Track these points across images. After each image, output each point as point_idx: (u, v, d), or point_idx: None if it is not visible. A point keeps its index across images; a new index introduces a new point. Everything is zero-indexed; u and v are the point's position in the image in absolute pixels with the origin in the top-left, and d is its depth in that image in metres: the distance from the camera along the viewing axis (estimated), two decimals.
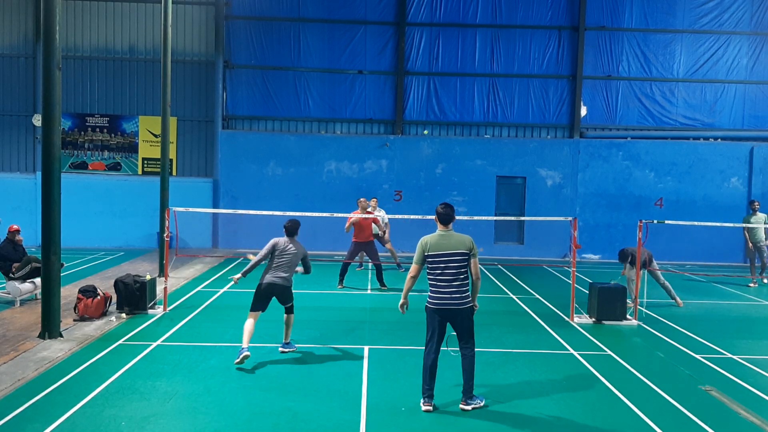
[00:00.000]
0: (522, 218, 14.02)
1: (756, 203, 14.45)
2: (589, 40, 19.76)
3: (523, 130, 20.11)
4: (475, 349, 6.57)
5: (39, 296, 10.16)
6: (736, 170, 19.65)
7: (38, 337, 8.65)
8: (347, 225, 13.14)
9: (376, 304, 11.79)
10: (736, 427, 6.14)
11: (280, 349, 8.29)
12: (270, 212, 12.92)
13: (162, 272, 12.97)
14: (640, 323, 10.42)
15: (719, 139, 19.85)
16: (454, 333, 6.49)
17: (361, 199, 13.87)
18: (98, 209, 19.36)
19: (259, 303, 8.06)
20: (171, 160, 18.27)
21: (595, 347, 8.93)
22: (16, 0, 19.58)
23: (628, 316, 10.52)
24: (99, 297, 10.03)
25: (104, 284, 11.90)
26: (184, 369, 7.51)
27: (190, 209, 12.25)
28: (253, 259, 8.34)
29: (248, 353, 7.55)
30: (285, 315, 8.32)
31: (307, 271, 8.49)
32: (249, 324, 7.89)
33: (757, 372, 7.92)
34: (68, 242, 13.04)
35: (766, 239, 14.26)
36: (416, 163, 19.58)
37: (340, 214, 13.67)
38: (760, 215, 14.21)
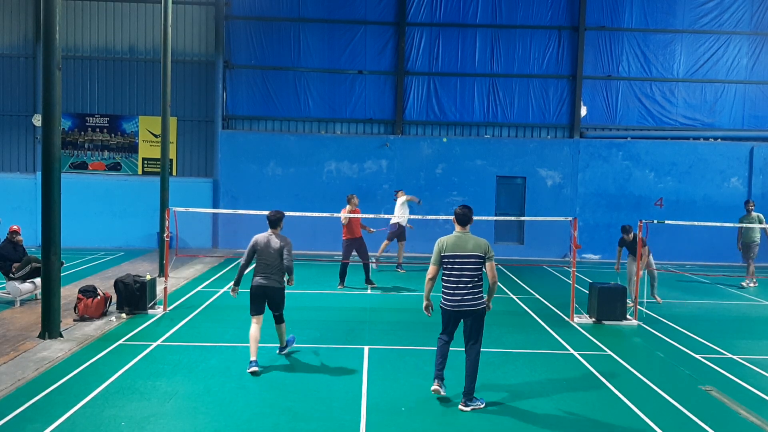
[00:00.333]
0: (522, 218, 14.02)
1: (751, 204, 14.43)
2: (589, 40, 19.77)
3: (523, 130, 20.11)
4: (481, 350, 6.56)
5: (39, 296, 10.16)
6: (736, 170, 19.65)
7: (38, 337, 8.65)
8: (343, 218, 12.88)
9: (376, 304, 11.79)
10: (736, 427, 6.14)
11: (280, 353, 8.13)
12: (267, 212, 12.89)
13: (162, 272, 12.97)
14: (640, 323, 10.42)
15: (719, 139, 19.85)
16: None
17: (352, 196, 13.40)
18: (98, 209, 19.36)
19: (255, 306, 7.66)
20: (171, 160, 18.27)
21: (595, 347, 8.93)
22: (16, 0, 19.58)
23: (628, 316, 10.53)
24: (99, 297, 10.03)
25: (104, 284, 11.90)
26: (184, 369, 7.51)
27: (190, 209, 12.26)
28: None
29: (256, 368, 7.29)
30: (276, 325, 7.94)
31: (287, 272, 7.59)
32: (253, 331, 7.56)
33: (757, 372, 7.92)
34: (68, 242, 13.04)
35: (759, 240, 14.29)
36: (416, 163, 19.58)
37: (340, 215, 13.64)
38: (754, 215, 14.22)
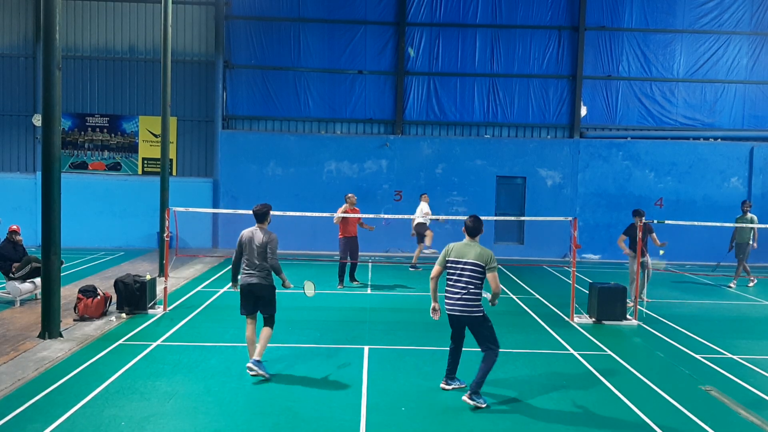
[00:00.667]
0: (522, 218, 14.01)
1: (747, 204, 14.42)
2: (589, 40, 19.76)
3: (523, 130, 20.11)
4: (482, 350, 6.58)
5: (39, 296, 10.16)
6: (736, 170, 19.65)
7: (38, 337, 8.65)
8: (336, 218, 12.94)
9: (376, 304, 11.79)
10: (736, 427, 6.14)
11: (248, 365, 7.08)
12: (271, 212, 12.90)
13: (162, 272, 12.96)
14: (640, 323, 10.42)
15: (719, 139, 19.86)
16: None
17: (350, 195, 13.40)
18: (98, 209, 19.35)
19: (245, 305, 7.30)
20: (171, 160, 18.27)
21: (595, 347, 8.93)
22: (16, 0, 19.58)
23: (628, 316, 10.53)
24: (99, 297, 10.03)
25: (104, 284, 11.90)
26: (184, 369, 7.51)
27: (190, 209, 12.25)
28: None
29: (254, 370, 7.05)
30: (263, 327, 7.31)
31: (273, 271, 7.23)
32: (248, 333, 7.37)
33: (757, 372, 7.92)
34: (68, 242, 13.04)
35: (753, 241, 14.28)
36: (416, 163, 19.58)
37: (340, 215, 13.61)
38: (749, 216, 14.23)
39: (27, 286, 10.91)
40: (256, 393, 6.75)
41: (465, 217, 6.89)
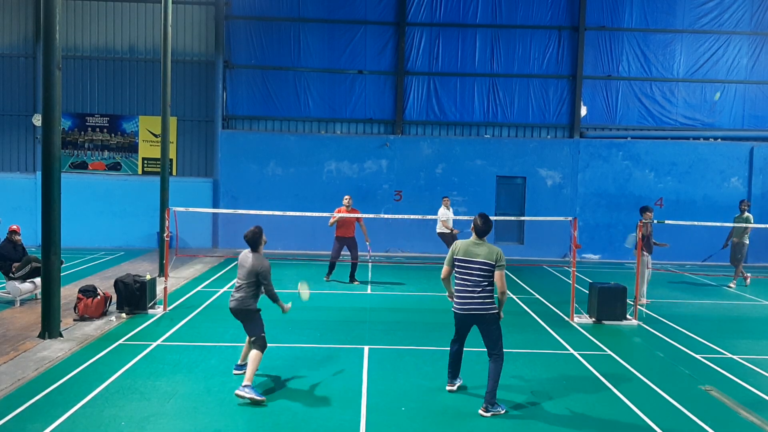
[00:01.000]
0: (522, 218, 14.03)
1: (745, 203, 14.41)
2: (589, 40, 19.76)
3: (523, 130, 20.11)
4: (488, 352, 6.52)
5: (39, 296, 10.16)
6: (736, 170, 19.65)
7: (38, 336, 8.65)
8: (331, 221, 13.38)
9: (376, 304, 11.79)
10: (736, 427, 6.14)
11: (236, 392, 6.47)
12: (270, 212, 12.95)
13: (162, 272, 12.96)
14: (640, 323, 10.42)
15: (719, 139, 19.85)
16: None
17: (347, 197, 13.67)
18: (98, 209, 19.35)
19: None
20: (171, 160, 18.27)
21: (595, 347, 8.93)
22: (16, 0, 19.58)
23: (628, 316, 10.52)
24: (99, 297, 10.03)
25: (104, 284, 11.90)
26: (184, 369, 7.51)
27: (190, 209, 12.26)
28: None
29: (239, 372, 7.13)
30: (251, 349, 6.88)
31: (267, 294, 7.05)
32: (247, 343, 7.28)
33: (757, 372, 7.92)
34: (68, 242, 13.04)
35: (747, 241, 14.28)
36: (416, 163, 19.58)
37: (352, 215, 13.61)
38: (745, 215, 14.22)
39: (27, 286, 10.91)
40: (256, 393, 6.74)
41: (466, 218, 6.89)
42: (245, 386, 6.42)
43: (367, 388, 6.97)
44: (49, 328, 8.66)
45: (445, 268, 6.66)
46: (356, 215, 13.40)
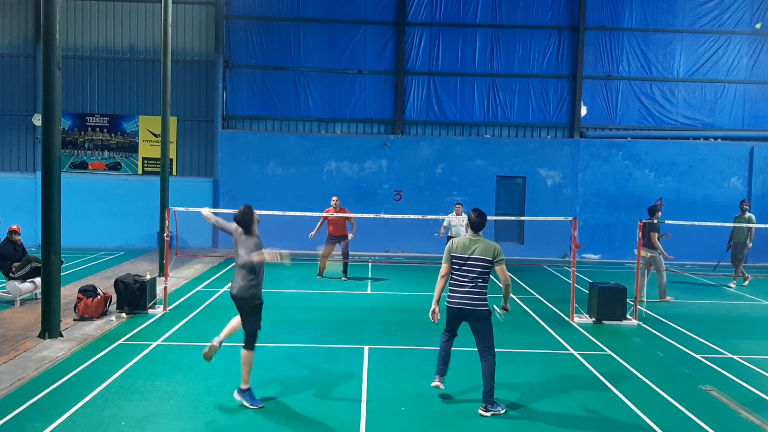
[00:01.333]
0: (522, 218, 14.02)
1: (746, 203, 14.41)
2: (589, 40, 19.76)
3: (523, 130, 20.11)
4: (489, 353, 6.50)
5: (39, 296, 10.16)
6: (736, 170, 19.65)
7: (38, 336, 8.65)
8: (315, 230, 14.14)
9: (376, 304, 11.79)
10: (736, 427, 6.14)
11: (235, 394, 6.40)
12: (270, 212, 12.92)
13: (162, 272, 12.97)
14: (640, 323, 10.42)
15: (719, 139, 19.85)
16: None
17: (334, 198, 14.08)
18: (98, 209, 19.35)
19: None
20: (171, 160, 18.27)
21: (595, 347, 8.94)
22: (16, 0, 19.58)
23: (628, 316, 10.53)
24: (99, 297, 10.03)
25: (104, 284, 11.90)
26: (184, 369, 7.51)
27: (190, 209, 12.22)
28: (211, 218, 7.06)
29: (239, 400, 6.35)
30: (242, 350, 6.48)
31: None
32: (234, 320, 6.79)
33: (757, 372, 7.92)
34: (68, 242, 13.05)
35: (748, 241, 14.26)
36: (416, 163, 19.58)
37: (340, 215, 13.73)
38: (747, 215, 14.22)
39: (27, 285, 10.91)
40: (255, 393, 6.73)
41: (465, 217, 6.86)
42: (243, 391, 6.29)
43: (367, 388, 6.97)
44: (49, 327, 8.66)
45: (444, 267, 6.52)
46: (345, 215, 13.79)
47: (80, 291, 10.01)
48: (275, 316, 10.31)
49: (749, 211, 14.37)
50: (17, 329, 9.14)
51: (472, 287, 6.34)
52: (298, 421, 6.03)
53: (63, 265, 9.39)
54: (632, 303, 10.80)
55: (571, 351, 8.70)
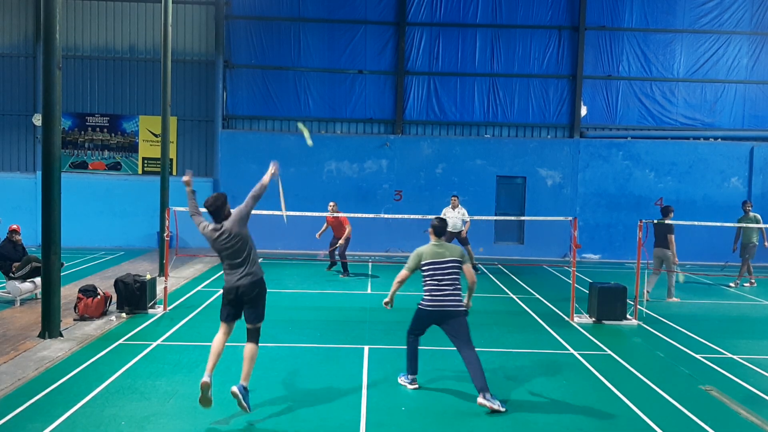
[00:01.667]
0: (522, 218, 14.04)
1: (748, 204, 14.41)
2: (589, 40, 19.76)
3: (523, 130, 20.11)
4: (476, 350, 6.58)
5: (39, 296, 10.16)
6: (736, 170, 19.65)
7: (38, 336, 8.65)
8: (320, 232, 15.03)
9: (376, 304, 11.77)
10: (736, 427, 6.14)
11: (233, 389, 5.96)
12: (270, 212, 12.93)
13: (162, 272, 12.97)
14: (640, 323, 10.42)
15: (719, 139, 19.85)
16: None
17: (331, 204, 14.77)
18: (98, 209, 19.35)
19: (229, 312, 6.19)
20: (171, 160, 18.27)
21: (595, 347, 8.93)
22: (16, 0, 19.58)
23: (628, 316, 10.53)
24: (99, 296, 10.03)
25: (104, 284, 11.90)
26: (184, 369, 7.51)
27: None
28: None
29: (238, 397, 5.90)
30: (246, 344, 6.16)
31: (258, 195, 6.42)
32: (218, 340, 6.18)
33: (757, 372, 7.92)
34: (68, 242, 13.02)
35: (757, 241, 14.24)
36: (416, 163, 19.58)
37: (339, 214, 13.79)
38: (752, 216, 14.21)
39: (27, 285, 10.91)
40: (255, 393, 6.73)
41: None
42: (244, 387, 6.00)
43: (367, 388, 6.97)
44: (49, 327, 8.66)
45: (405, 273, 6.85)
46: (342, 221, 14.41)
47: (80, 291, 10.01)
48: (275, 316, 10.31)
49: (752, 211, 14.35)
50: (17, 329, 9.14)
51: (452, 289, 6.66)
52: (299, 420, 6.03)
53: (63, 266, 9.39)
54: (632, 303, 10.81)
55: (571, 351, 8.69)
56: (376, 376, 7.39)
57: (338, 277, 14.55)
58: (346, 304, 11.66)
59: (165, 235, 11.94)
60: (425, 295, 6.75)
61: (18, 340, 8.53)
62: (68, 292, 10.88)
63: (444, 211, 15.14)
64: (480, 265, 15.85)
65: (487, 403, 6.26)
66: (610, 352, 8.69)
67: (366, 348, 8.59)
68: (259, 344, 6.33)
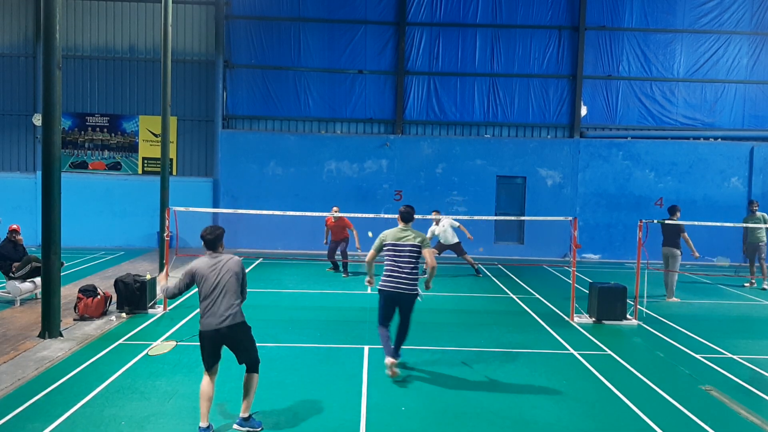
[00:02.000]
0: (522, 218, 14.02)
1: (755, 204, 14.41)
2: (589, 39, 19.76)
3: (523, 130, 20.11)
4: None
5: (39, 296, 10.16)
6: (736, 170, 19.65)
7: (38, 336, 8.65)
8: (325, 238, 15.20)
9: (375, 304, 11.74)
10: (736, 427, 6.14)
11: (235, 427, 5.78)
12: (270, 212, 12.95)
13: (162, 272, 12.94)
14: (640, 323, 10.42)
15: (719, 139, 19.85)
16: None
17: (334, 208, 15.07)
18: (98, 209, 19.36)
19: (210, 357, 5.68)
20: (171, 160, 18.27)
21: (595, 347, 8.93)
22: (16, 0, 19.58)
23: (628, 316, 10.53)
24: (99, 296, 10.03)
25: (104, 284, 11.90)
26: (184, 368, 7.50)
27: (190, 209, 12.24)
28: (164, 283, 5.95)
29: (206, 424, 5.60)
30: (248, 373, 5.80)
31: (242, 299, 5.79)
32: (205, 384, 5.70)
33: (757, 372, 7.92)
34: (68, 242, 13.03)
35: (765, 240, 14.20)
36: (416, 162, 19.58)
37: (339, 214, 13.78)
38: (759, 215, 14.19)
39: (27, 285, 10.92)
40: (255, 393, 6.73)
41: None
42: (245, 420, 5.68)
43: (367, 388, 6.97)
44: (49, 327, 8.66)
45: (371, 253, 7.42)
46: (346, 224, 14.64)
47: (80, 291, 10.02)
48: (275, 316, 10.31)
49: (759, 211, 14.33)
50: (17, 329, 9.14)
51: (408, 273, 7.16)
52: (299, 420, 6.03)
53: (63, 266, 9.39)
54: (632, 303, 10.81)
55: (571, 351, 8.70)
56: (376, 376, 7.39)
57: (340, 277, 14.58)
58: (346, 304, 11.66)
59: (165, 235, 11.93)
60: (383, 277, 7.26)
61: (18, 340, 8.53)
62: (68, 292, 10.88)
63: (431, 230, 14.73)
64: (480, 266, 15.85)
65: (390, 362, 7.18)
66: (610, 352, 8.69)
67: (366, 348, 8.59)
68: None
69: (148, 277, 10.57)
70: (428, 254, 7.20)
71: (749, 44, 19.89)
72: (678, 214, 12.45)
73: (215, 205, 19.27)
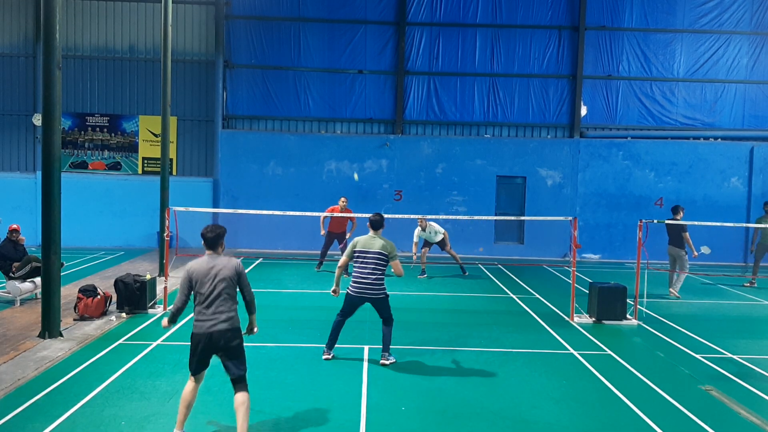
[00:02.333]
0: (522, 218, 14.03)
1: None
2: (589, 39, 19.76)
3: (523, 130, 20.10)
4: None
5: (39, 296, 10.16)
6: (736, 170, 19.65)
7: (38, 336, 8.65)
8: (322, 228, 15.02)
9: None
10: (736, 427, 6.14)
11: None
12: (270, 212, 12.96)
13: (162, 272, 12.97)
14: (640, 323, 10.42)
15: (719, 139, 19.85)
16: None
17: (343, 198, 14.96)
18: (98, 209, 19.35)
19: (199, 363, 5.46)
20: (171, 160, 18.27)
21: (595, 347, 8.94)
22: (16, 0, 19.58)
23: (628, 316, 10.53)
24: (99, 296, 10.03)
25: (104, 284, 11.90)
26: (184, 368, 7.49)
27: (190, 209, 12.24)
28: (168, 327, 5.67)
29: None
30: (238, 393, 5.42)
31: (247, 301, 5.65)
32: (188, 391, 5.47)
33: (757, 372, 7.92)
34: (68, 242, 13.04)
35: None
36: (416, 162, 19.58)
37: (340, 214, 13.81)
38: None
39: (27, 285, 10.92)
40: (256, 393, 6.71)
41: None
42: None
43: (367, 388, 6.97)
44: (49, 327, 8.66)
45: (343, 259, 7.83)
46: (350, 215, 14.47)
47: (80, 291, 10.02)
48: (275, 316, 10.31)
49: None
50: (17, 329, 9.15)
51: (374, 279, 7.53)
52: (298, 420, 6.03)
53: (63, 266, 9.39)
54: (632, 303, 10.81)
55: (571, 351, 8.70)
56: (376, 376, 7.39)
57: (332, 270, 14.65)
58: None
59: (165, 235, 11.94)
60: (352, 281, 7.65)
61: (18, 340, 8.53)
62: (68, 292, 10.88)
63: (417, 233, 14.72)
64: (480, 265, 15.85)
65: (387, 362, 7.68)
66: (610, 351, 8.69)
67: (366, 348, 8.59)
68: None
69: (148, 277, 10.57)
70: (396, 266, 7.61)
71: (749, 44, 19.89)
72: (681, 214, 12.45)
73: (215, 205, 19.27)
